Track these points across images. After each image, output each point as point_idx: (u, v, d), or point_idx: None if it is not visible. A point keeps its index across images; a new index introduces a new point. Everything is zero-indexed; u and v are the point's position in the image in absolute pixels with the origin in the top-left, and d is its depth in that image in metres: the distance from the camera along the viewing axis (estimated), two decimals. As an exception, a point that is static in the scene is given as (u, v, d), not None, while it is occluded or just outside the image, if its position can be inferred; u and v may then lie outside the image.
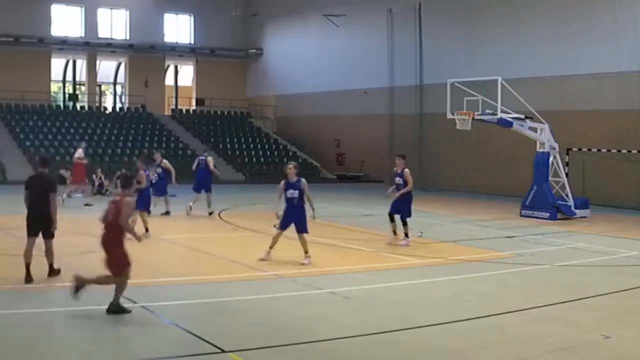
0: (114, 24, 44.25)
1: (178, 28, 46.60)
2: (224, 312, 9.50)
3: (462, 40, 33.06)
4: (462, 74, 25.51)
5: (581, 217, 22.00)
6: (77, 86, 45.26)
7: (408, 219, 15.94)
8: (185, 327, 8.62)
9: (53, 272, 11.25)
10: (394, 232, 16.07)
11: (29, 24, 40.12)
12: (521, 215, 22.15)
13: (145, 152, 19.54)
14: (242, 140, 42.31)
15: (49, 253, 11.20)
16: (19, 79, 39.33)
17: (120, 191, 9.63)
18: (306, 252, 13.16)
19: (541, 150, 22.44)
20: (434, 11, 34.33)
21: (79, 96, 44.51)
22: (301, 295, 10.47)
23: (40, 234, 11.13)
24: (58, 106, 43.68)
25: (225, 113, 46.33)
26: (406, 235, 15.82)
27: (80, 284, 9.20)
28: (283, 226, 13.22)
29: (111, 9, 44.05)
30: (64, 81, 45.77)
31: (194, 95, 47.47)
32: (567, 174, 23.37)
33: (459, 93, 22.49)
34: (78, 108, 42.98)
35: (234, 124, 44.90)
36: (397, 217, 16.01)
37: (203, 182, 21.19)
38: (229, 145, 41.18)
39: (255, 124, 45.51)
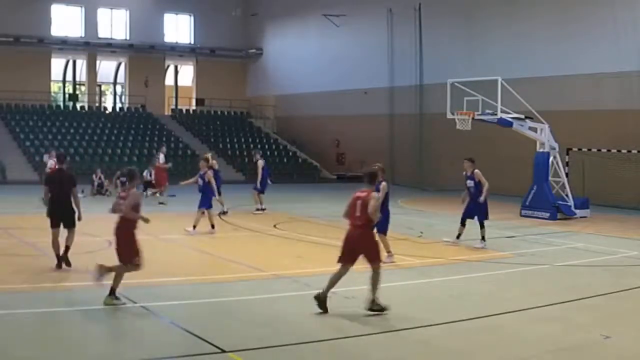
0: (114, 24, 44.26)
1: (178, 28, 46.62)
2: (224, 312, 9.50)
3: (462, 40, 33.06)
4: (462, 74, 25.52)
5: (581, 217, 22.00)
6: (77, 86, 45.26)
7: (485, 222, 15.74)
8: (185, 327, 8.62)
9: (66, 257, 11.83)
10: (458, 236, 15.87)
11: (29, 24, 40.15)
12: (521, 215, 22.14)
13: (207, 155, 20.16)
14: (242, 140, 42.31)
15: (70, 238, 12.04)
16: (19, 79, 39.33)
17: (366, 187, 9.71)
18: (388, 251, 13.19)
19: (541, 150, 22.44)
20: (434, 11, 34.34)
21: (79, 96, 44.53)
22: (301, 295, 10.45)
23: (62, 225, 12.01)
24: (58, 106, 43.68)
25: (225, 113, 46.33)
26: (483, 238, 15.61)
27: (323, 301, 9.28)
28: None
29: (111, 9, 44.06)
30: (64, 81, 45.76)
31: (194, 95, 47.48)
32: (567, 174, 23.37)
33: (459, 93, 22.49)
34: (78, 108, 43.01)
35: (234, 124, 44.91)
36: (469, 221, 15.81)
37: (266, 182, 21.94)
38: (229, 145, 41.19)
39: (255, 124, 45.52)
